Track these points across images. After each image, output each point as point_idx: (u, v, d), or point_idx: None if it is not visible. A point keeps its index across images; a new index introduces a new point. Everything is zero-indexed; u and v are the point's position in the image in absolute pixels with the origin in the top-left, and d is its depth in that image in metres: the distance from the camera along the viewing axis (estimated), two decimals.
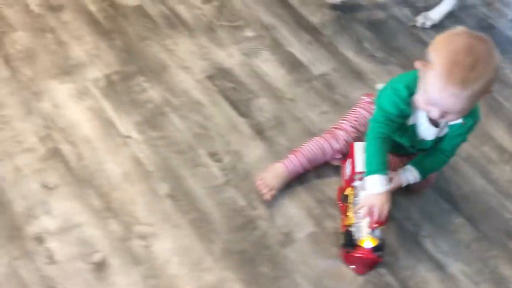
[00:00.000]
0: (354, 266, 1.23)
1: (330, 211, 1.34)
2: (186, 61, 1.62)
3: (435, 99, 1.08)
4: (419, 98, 1.13)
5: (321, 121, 1.53)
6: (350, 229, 1.22)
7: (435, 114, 1.11)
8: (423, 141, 1.26)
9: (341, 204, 1.32)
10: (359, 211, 1.20)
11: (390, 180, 1.22)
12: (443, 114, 1.10)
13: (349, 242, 1.21)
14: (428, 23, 1.88)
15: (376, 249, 1.18)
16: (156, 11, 1.74)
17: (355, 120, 1.39)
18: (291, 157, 1.35)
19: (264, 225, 1.29)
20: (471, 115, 1.16)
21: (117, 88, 1.51)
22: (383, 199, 1.18)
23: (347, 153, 1.35)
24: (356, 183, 1.25)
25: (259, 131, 1.48)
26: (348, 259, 1.23)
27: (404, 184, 1.28)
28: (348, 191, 1.29)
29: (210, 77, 1.58)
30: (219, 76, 1.59)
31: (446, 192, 1.43)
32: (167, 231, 1.25)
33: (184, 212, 1.29)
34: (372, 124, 1.24)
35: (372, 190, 1.18)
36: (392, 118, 1.21)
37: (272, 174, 1.32)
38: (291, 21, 1.82)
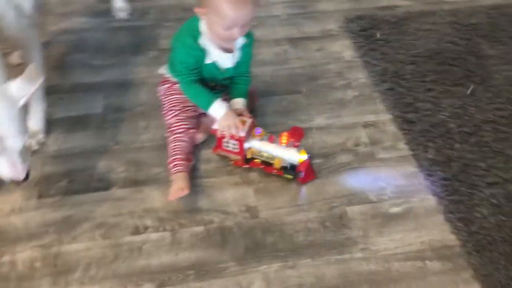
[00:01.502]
0: (306, 182, 1.42)
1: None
2: None
3: (234, 19, 1.28)
4: (216, 33, 1.32)
5: None
6: (284, 164, 1.39)
7: (237, 32, 1.31)
8: (226, 70, 1.44)
9: (257, 163, 1.42)
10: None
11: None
12: (242, 30, 1.31)
13: (292, 171, 1.39)
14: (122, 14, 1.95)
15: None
16: None
17: (173, 105, 1.47)
18: (176, 163, 1.37)
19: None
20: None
21: None
22: (231, 115, 1.37)
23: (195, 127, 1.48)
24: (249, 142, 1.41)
25: None
26: (305, 179, 1.41)
27: (240, 106, 1.43)
28: (249, 154, 1.41)
29: None
30: None
31: None
32: None
33: None
34: (180, 78, 1.42)
35: (219, 114, 1.37)
36: (192, 66, 1.39)
37: (174, 183, 1.35)
38: None
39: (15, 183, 1.22)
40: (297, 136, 1.37)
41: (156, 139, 1.53)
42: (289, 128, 1.41)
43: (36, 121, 1.47)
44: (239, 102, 1.45)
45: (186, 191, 1.33)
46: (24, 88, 1.13)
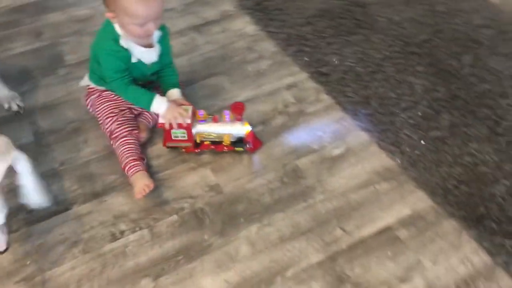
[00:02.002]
0: (255, 150, 1.54)
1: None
2: None
3: (147, 16, 1.32)
4: (132, 33, 1.36)
5: None
6: (232, 139, 1.49)
7: (152, 27, 1.36)
8: (152, 65, 1.49)
9: (207, 145, 1.51)
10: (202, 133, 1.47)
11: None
12: (156, 23, 1.36)
13: (241, 144, 1.50)
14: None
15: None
16: None
17: (109, 112, 1.51)
18: (131, 165, 1.42)
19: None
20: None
21: None
22: (173, 107, 1.44)
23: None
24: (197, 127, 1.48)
25: None
26: (254, 148, 1.53)
27: (177, 96, 1.51)
28: (198, 138, 1.49)
29: None
30: None
31: None
32: None
33: None
34: (115, 84, 1.44)
35: (162, 109, 1.43)
36: (123, 69, 1.43)
37: (137, 182, 1.39)
38: None
39: None
40: (239, 110, 1.47)
41: (99, 151, 1.55)
42: (225, 107, 1.50)
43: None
44: (175, 93, 1.51)
45: (151, 186, 1.37)
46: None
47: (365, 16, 1.98)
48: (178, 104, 1.47)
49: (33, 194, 1.24)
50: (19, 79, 1.75)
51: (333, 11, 2.00)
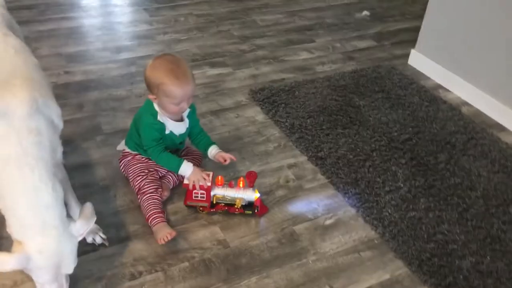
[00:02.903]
0: (262, 214, 1.80)
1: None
2: None
3: (182, 95, 1.64)
4: (169, 110, 1.69)
5: None
6: (243, 203, 1.74)
7: (185, 105, 1.69)
8: (182, 135, 1.81)
9: (221, 206, 1.77)
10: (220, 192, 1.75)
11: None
12: (188, 102, 1.69)
13: (250, 207, 1.76)
14: None
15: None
16: None
17: (139, 171, 1.79)
18: (154, 217, 1.67)
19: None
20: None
21: None
22: (196, 172, 1.72)
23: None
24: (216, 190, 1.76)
25: None
26: (261, 212, 1.79)
27: (217, 150, 1.85)
28: (214, 199, 1.75)
29: None
30: None
31: None
32: None
33: None
34: (151, 150, 1.74)
35: (187, 173, 1.72)
36: (158, 138, 1.74)
37: (160, 231, 1.64)
38: None
39: None
40: (253, 178, 1.76)
41: (125, 204, 1.80)
42: (235, 177, 1.79)
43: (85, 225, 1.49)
44: (214, 148, 1.85)
45: (173, 234, 1.62)
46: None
47: (357, 115, 2.33)
48: (201, 170, 1.76)
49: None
50: (63, 142, 2.04)
51: (330, 108, 2.36)
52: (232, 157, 1.83)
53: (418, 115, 2.38)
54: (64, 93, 2.32)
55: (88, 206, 1.40)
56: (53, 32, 2.84)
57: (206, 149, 1.86)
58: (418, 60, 2.81)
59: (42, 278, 1.29)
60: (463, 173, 2.05)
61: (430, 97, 2.52)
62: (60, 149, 1.46)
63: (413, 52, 2.83)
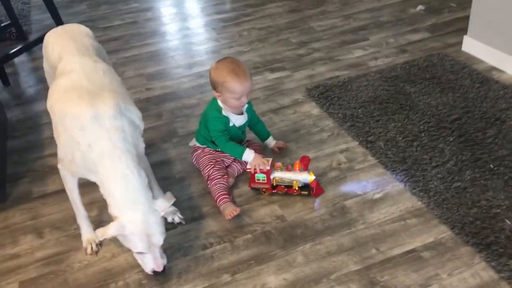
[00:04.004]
0: (318, 195, 2.02)
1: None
2: None
3: (242, 90, 1.94)
4: (231, 105, 1.99)
5: None
6: (300, 185, 1.98)
7: (245, 99, 1.98)
8: (241, 126, 2.11)
9: (281, 188, 2.02)
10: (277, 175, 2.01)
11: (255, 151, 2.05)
12: (247, 97, 1.98)
13: (306, 188, 1.98)
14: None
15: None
16: None
17: (209, 161, 2.09)
18: (221, 198, 1.96)
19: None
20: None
21: None
22: (257, 158, 1.99)
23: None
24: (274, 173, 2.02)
25: None
26: (317, 193, 2.01)
27: (274, 141, 2.25)
28: (274, 182, 2.01)
29: None
30: None
31: None
32: None
33: None
34: (218, 140, 2.04)
35: (250, 158, 1.99)
36: (223, 130, 2.03)
37: (226, 208, 1.92)
38: None
39: (154, 273, 1.66)
40: (306, 161, 1.99)
41: (198, 191, 2.11)
42: (293, 163, 2.03)
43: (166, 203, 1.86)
44: (270, 140, 2.24)
45: (238, 211, 1.90)
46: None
47: (407, 101, 2.48)
48: (262, 156, 2.03)
49: None
50: (146, 145, 2.42)
51: (381, 97, 2.53)
52: (283, 144, 2.16)
53: (468, 96, 2.48)
54: (146, 106, 2.72)
55: (168, 193, 1.72)
56: (136, 57, 3.29)
57: (264, 139, 2.22)
58: (471, 45, 2.88)
59: (137, 246, 1.60)
60: (511, 145, 2.13)
61: (482, 79, 2.60)
62: (142, 145, 1.79)
63: (465, 38, 2.91)
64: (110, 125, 1.63)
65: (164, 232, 1.64)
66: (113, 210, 1.59)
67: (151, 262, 1.64)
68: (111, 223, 1.56)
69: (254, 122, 2.20)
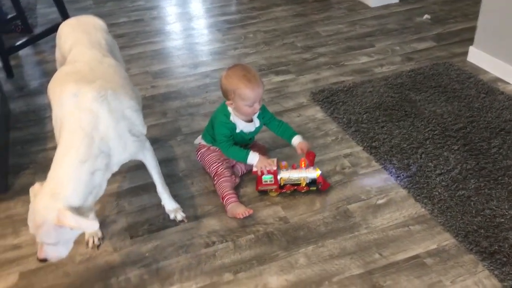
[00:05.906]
0: (326, 189, 2.04)
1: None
2: None
3: (255, 96, 1.91)
4: (244, 112, 1.97)
5: None
6: (307, 181, 1.99)
7: (257, 106, 1.95)
8: (251, 133, 2.09)
9: (289, 186, 2.02)
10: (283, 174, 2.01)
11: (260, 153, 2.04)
12: (260, 103, 1.95)
13: (313, 184, 2.00)
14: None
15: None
16: None
17: (215, 160, 2.08)
18: (229, 197, 1.95)
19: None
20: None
21: None
22: (262, 159, 1.98)
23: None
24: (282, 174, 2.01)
25: None
26: (324, 187, 2.02)
27: (301, 140, 2.09)
28: (281, 181, 2.00)
29: None
30: None
31: None
32: None
33: None
34: (222, 145, 2.03)
35: (255, 161, 1.98)
36: (229, 135, 2.02)
37: (238, 208, 1.92)
38: None
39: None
40: (311, 157, 1.99)
41: (201, 189, 2.11)
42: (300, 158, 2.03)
43: (169, 202, 1.95)
44: (298, 138, 2.09)
45: (251, 212, 1.90)
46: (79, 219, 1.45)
47: (412, 109, 2.49)
48: (267, 157, 2.02)
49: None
50: (152, 142, 2.41)
51: (386, 104, 2.54)
52: (308, 147, 2.07)
53: (473, 106, 2.48)
54: (151, 103, 2.71)
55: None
56: (141, 55, 3.29)
57: (289, 140, 2.10)
58: (476, 56, 2.89)
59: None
60: None
61: (487, 89, 2.61)
62: (131, 139, 1.71)
63: (471, 48, 2.93)
64: (85, 106, 1.57)
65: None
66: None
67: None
68: None
69: (275, 124, 2.13)
